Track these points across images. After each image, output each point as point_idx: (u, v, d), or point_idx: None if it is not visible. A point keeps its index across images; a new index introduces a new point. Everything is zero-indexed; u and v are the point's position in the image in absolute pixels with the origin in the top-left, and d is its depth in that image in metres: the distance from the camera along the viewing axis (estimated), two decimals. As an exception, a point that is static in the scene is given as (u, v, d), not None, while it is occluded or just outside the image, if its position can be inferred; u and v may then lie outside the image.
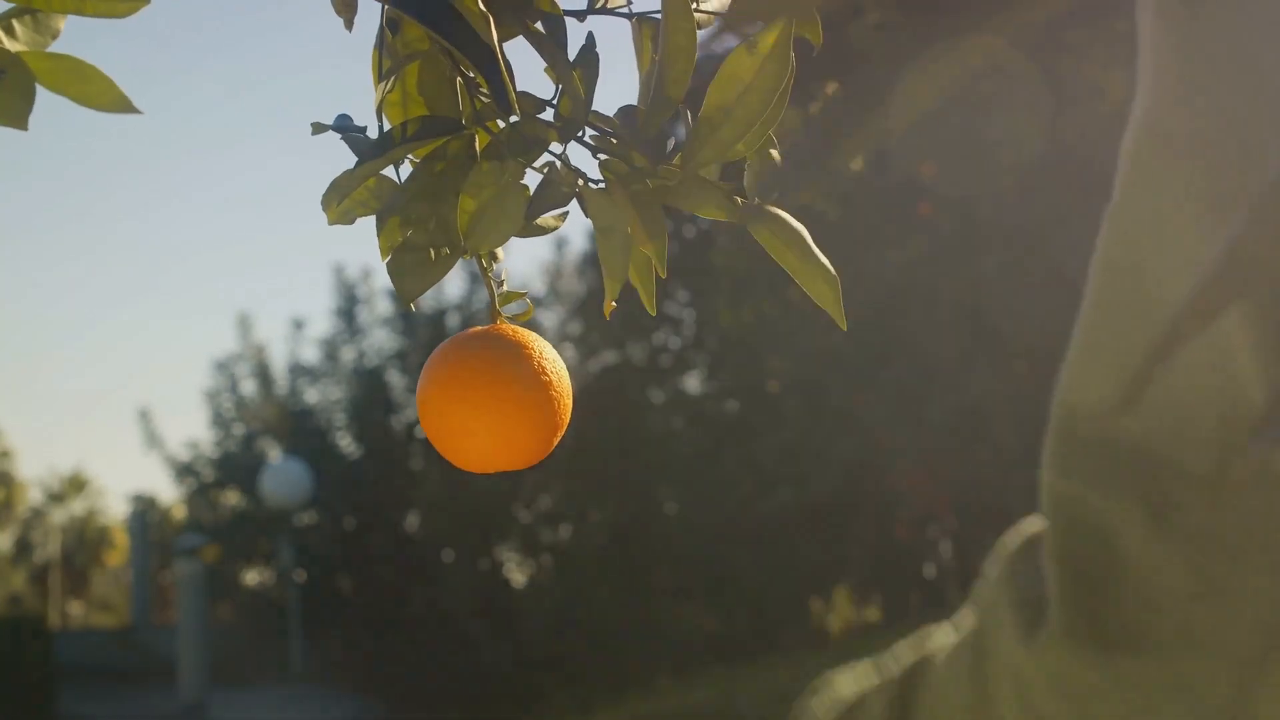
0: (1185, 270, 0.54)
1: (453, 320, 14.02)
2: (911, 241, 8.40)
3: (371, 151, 0.72)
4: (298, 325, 14.87)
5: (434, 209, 0.73)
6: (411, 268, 0.74)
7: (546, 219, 0.74)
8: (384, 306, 14.36)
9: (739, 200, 0.75)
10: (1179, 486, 0.55)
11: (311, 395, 14.62)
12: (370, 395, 13.98)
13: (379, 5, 0.80)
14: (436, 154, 0.74)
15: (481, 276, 0.78)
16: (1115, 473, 0.57)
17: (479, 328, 0.77)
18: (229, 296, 37.38)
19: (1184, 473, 0.55)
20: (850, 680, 0.81)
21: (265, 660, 13.26)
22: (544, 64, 0.77)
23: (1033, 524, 0.66)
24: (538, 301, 13.41)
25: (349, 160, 0.72)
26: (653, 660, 11.34)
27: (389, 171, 0.75)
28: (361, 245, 33.72)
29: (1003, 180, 7.05)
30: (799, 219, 0.72)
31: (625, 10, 0.78)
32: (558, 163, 0.73)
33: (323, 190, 0.72)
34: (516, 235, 0.71)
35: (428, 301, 14.09)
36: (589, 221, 0.78)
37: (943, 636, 0.75)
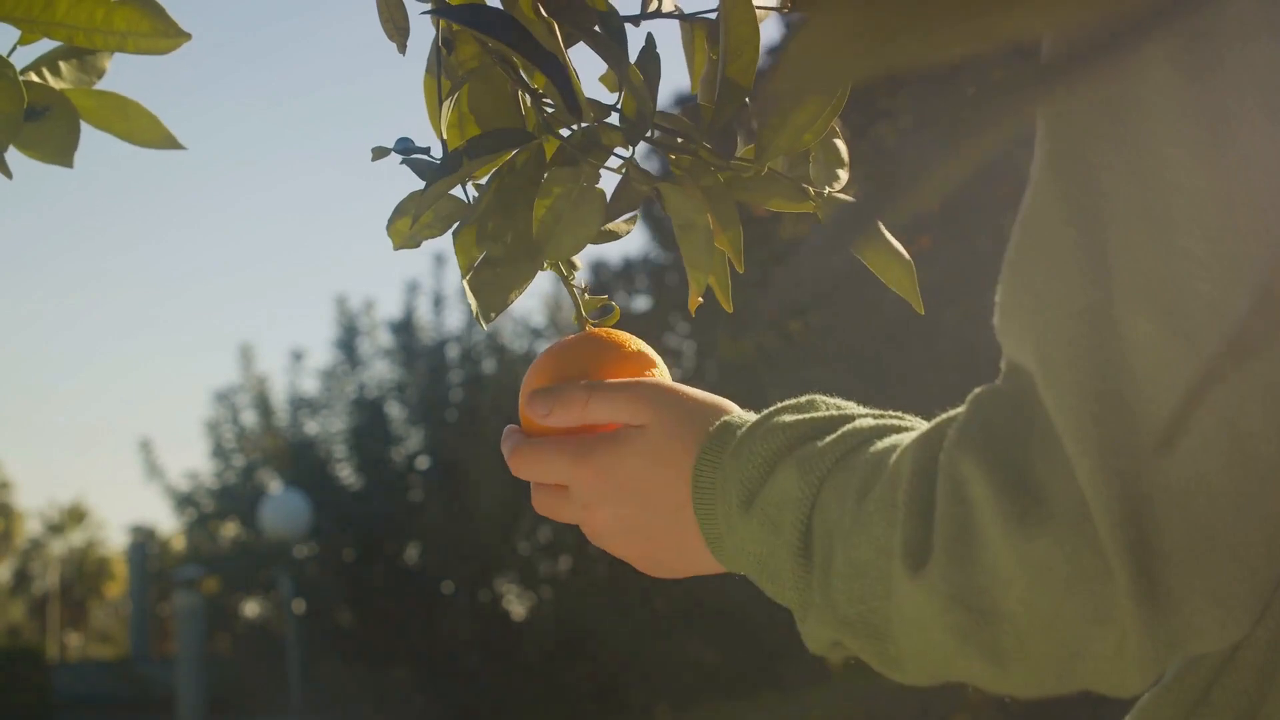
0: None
1: (453, 352, 14.01)
2: (912, 275, 8.41)
3: (441, 171, 0.71)
4: (297, 357, 14.86)
5: (508, 221, 0.72)
6: (490, 283, 0.73)
7: (619, 224, 0.74)
8: (384, 338, 14.37)
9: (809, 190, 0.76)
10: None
11: (312, 427, 14.60)
12: (370, 427, 13.96)
13: (432, 28, 0.80)
14: (506, 167, 0.73)
15: (564, 285, 0.77)
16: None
17: (573, 335, 0.78)
18: (229, 328, 37.42)
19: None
20: None
21: (264, 692, 13.20)
22: (598, 72, 0.77)
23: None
24: (538, 334, 13.42)
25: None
26: (652, 693, 11.30)
27: (456, 191, 0.74)
28: (362, 276, 33.77)
29: (1003, 213, 7.08)
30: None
31: (675, 12, 0.78)
32: (627, 165, 0.73)
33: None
34: (590, 241, 0.70)
35: (428, 333, 14.09)
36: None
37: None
